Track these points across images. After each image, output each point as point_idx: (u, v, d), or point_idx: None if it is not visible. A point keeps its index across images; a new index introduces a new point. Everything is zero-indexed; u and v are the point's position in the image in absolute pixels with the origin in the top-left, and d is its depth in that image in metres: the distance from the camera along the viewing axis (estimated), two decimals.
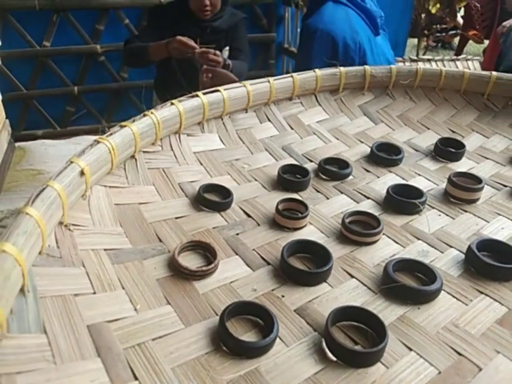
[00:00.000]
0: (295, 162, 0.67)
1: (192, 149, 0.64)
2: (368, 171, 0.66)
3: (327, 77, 0.76)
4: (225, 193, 0.57)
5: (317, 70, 0.76)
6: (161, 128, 0.58)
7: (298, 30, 2.87)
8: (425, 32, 3.33)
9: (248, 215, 0.55)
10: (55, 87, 2.80)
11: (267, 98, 0.72)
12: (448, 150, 0.70)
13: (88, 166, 0.46)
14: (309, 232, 0.53)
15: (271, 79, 0.72)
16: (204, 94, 0.64)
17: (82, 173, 0.45)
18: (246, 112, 0.72)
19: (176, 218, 0.52)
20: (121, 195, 0.52)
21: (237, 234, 0.52)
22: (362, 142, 0.73)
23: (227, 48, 1.96)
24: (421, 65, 0.78)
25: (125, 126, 0.53)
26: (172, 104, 0.60)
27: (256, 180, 0.62)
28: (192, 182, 0.59)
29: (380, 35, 1.54)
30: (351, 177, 0.64)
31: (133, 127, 0.54)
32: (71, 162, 0.45)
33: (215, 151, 0.65)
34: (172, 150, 0.61)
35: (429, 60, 2.48)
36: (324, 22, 1.35)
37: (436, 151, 0.71)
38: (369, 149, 0.71)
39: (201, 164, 0.62)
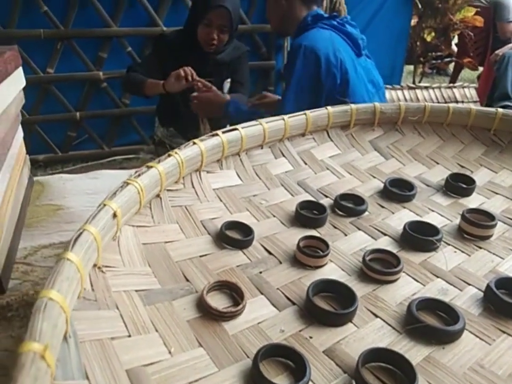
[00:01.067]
0: (310, 197, 0.68)
1: (212, 185, 0.65)
2: (382, 207, 0.68)
3: (338, 113, 0.79)
4: (246, 230, 0.58)
5: (329, 107, 0.78)
6: (184, 167, 0.60)
7: None
8: (421, 59, 3.40)
9: (270, 253, 0.56)
10: (57, 113, 2.84)
11: (282, 135, 0.74)
12: (459, 185, 0.72)
13: (119, 208, 0.47)
14: (330, 270, 0.54)
15: (285, 117, 0.74)
16: (223, 132, 0.66)
17: (114, 215, 0.46)
18: (262, 148, 0.74)
19: (201, 256, 0.54)
20: (148, 234, 0.53)
21: (260, 272, 0.53)
22: (374, 177, 0.75)
23: (229, 80, 2.00)
24: (427, 98, 0.80)
25: (151, 166, 0.55)
26: (194, 143, 0.62)
27: (274, 216, 0.64)
28: (213, 219, 0.60)
29: (363, 56, 1.59)
30: (366, 213, 0.66)
31: (159, 168, 0.55)
32: (104, 205, 0.46)
33: (234, 187, 0.67)
34: (193, 187, 0.63)
35: (426, 87, 2.54)
36: (308, 39, 1.44)
37: (447, 186, 0.73)
38: (381, 184, 0.73)
39: (221, 201, 0.64)
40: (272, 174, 0.71)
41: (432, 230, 0.61)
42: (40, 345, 0.29)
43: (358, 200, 0.67)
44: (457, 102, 2.49)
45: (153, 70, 1.94)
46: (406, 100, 2.46)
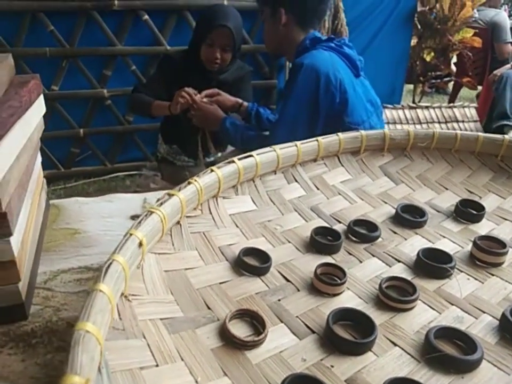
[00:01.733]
0: (324, 223, 0.69)
1: (228, 211, 0.66)
2: (395, 233, 0.69)
3: (349, 140, 0.80)
4: (263, 257, 0.59)
5: (339, 133, 0.80)
6: (203, 194, 0.61)
7: None
8: (421, 78, 3.44)
9: (287, 280, 0.57)
10: (61, 129, 2.85)
11: (294, 161, 0.76)
12: (469, 211, 0.73)
13: (145, 237, 0.48)
14: (348, 298, 0.55)
15: (298, 143, 0.75)
16: (239, 159, 0.68)
17: (140, 244, 0.47)
18: (275, 173, 0.75)
19: (220, 283, 0.55)
20: (169, 261, 0.54)
21: (279, 300, 0.54)
22: (386, 203, 0.76)
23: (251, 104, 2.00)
24: (437, 127, 0.82)
25: (172, 194, 0.56)
26: (212, 171, 0.63)
27: (289, 241, 0.65)
28: (230, 245, 0.61)
29: (361, 77, 1.63)
30: (380, 239, 0.67)
31: (180, 196, 0.56)
32: (130, 234, 0.47)
33: (249, 213, 0.68)
34: (211, 213, 0.64)
35: (427, 107, 2.57)
36: (309, 59, 1.48)
37: (456, 212, 0.74)
38: (392, 209, 0.74)
39: (237, 226, 0.65)
40: (286, 199, 0.73)
41: (445, 257, 0.62)
42: (81, 379, 0.30)
43: (371, 226, 0.68)
44: (457, 121, 2.52)
45: (158, 90, 1.97)
46: (407, 119, 2.49)
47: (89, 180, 3.04)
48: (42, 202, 0.69)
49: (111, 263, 0.42)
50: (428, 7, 3.25)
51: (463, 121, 2.52)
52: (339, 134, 0.80)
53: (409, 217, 0.71)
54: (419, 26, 3.31)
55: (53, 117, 2.79)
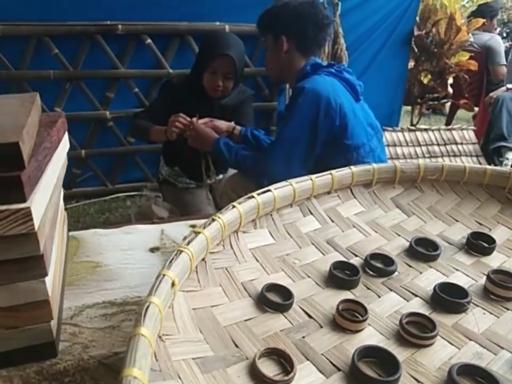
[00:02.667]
0: (341, 256, 0.71)
1: (248, 245, 0.68)
2: (410, 266, 0.71)
3: (361, 172, 0.83)
4: (286, 293, 0.61)
5: (352, 167, 0.82)
6: (226, 230, 0.63)
7: None
8: (419, 100, 3.50)
9: (310, 316, 0.59)
10: None
11: (309, 194, 0.78)
12: (480, 244, 0.75)
13: (177, 277, 0.50)
14: (369, 334, 0.57)
15: (312, 177, 0.78)
16: (258, 194, 0.70)
17: (172, 284, 0.49)
18: (291, 206, 0.77)
19: (246, 320, 0.56)
20: (196, 299, 0.55)
21: (303, 337, 0.55)
22: (399, 235, 0.78)
23: (233, 123, 2.04)
24: (446, 161, 0.84)
25: (198, 232, 0.58)
26: (234, 207, 0.65)
27: (309, 276, 0.66)
28: (252, 280, 0.63)
29: (361, 101, 1.67)
30: (396, 273, 0.69)
31: (206, 233, 0.58)
32: (163, 275, 0.49)
33: (268, 246, 0.70)
34: (232, 248, 0.66)
35: (426, 130, 2.61)
36: (310, 83, 1.53)
37: (468, 244, 0.76)
38: (406, 242, 0.76)
39: (258, 261, 0.67)
40: (302, 232, 0.74)
41: (460, 291, 0.63)
42: None
43: (387, 260, 0.70)
44: (456, 143, 2.56)
45: (159, 115, 2.00)
46: (406, 141, 2.52)
47: (90, 201, 3.04)
48: (65, 236, 0.71)
49: (148, 306, 0.44)
50: (424, 31, 3.33)
51: (461, 143, 2.56)
52: (352, 167, 0.82)
53: (423, 250, 0.73)
54: (416, 50, 3.37)
55: None
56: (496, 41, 3.75)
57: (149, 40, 2.80)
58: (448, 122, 4.13)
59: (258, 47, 3.01)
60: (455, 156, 2.53)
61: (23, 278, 0.49)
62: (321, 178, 0.78)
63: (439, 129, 2.60)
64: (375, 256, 0.70)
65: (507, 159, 2.92)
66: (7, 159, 0.45)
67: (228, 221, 0.63)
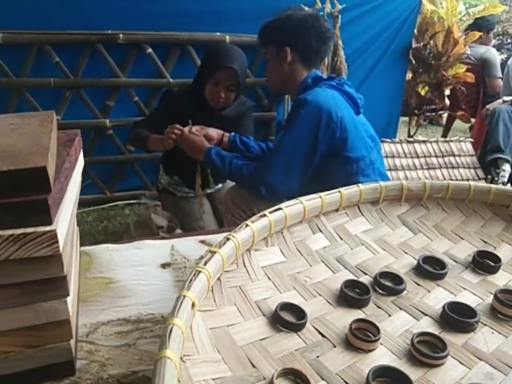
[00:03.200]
0: (350, 274, 0.72)
1: (260, 263, 0.69)
2: (418, 284, 0.72)
3: (369, 190, 0.84)
4: (299, 312, 0.62)
5: (360, 185, 0.84)
6: (240, 249, 0.64)
7: None
8: (416, 111, 3.53)
9: (323, 335, 0.60)
10: None
11: (318, 211, 0.79)
12: (486, 263, 0.76)
13: (196, 298, 0.51)
14: (382, 354, 0.58)
15: (322, 194, 0.79)
16: (270, 213, 0.71)
17: (193, 305, 0.50)
18: (301, 223, 0.78)
19: (261, 340, 0.57)
20: (212, 318, 0.56)
21: (318, 356, 0.56)
22: (406, 253, 0.79)
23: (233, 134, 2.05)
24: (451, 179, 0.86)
25: (214, 252, 0.59)
26: (247, 225, 0.66)
27: (320, 295, 0.67)
28: (265, 299, 0.64)
29: (361, 114, 1.70)
30: (405, 291, 0.70)
31: (222, 252, 0.59)
32: (184, 296, 0.50)
33: (279, 264, 0.71)
34: (245, 266, 0.67)
35: (424, 141, 2.63)
36: (312, 95, 1.55)
37: (474, 263, 0.77)
38: (413, 260, 0.77)
39: (270, 279, 0.68)
40: (312, 249, 0.76)
41: (469, 311, 0.65)
42: None
43: (396, 278, 0.71)
44: (454, 155, 2.59)
45: (158, 125, 2.01)
46: (404, 153, 2.55)
47: (89, 209, 3.04)
48: (78, 252, 0.72)
49: (172, 328, 0.45)
50: (422, 44, 3.36)
51: (459, 155, 2.58)
52: (360, 185, 0.84)
53: (431, 269, 0.74)
54: (414, 62, 3.41)
55: None
56: (492, 54, 3.80)
57: (150, 50, 2.81)
58: (445, 133, 4.17)
59: (258, 57, 3.03)
60: (453, 167, 2.56)
61: (46, 298, 0.50)
62: (330, 196, 0.80)
63: (437, 141, 2.63)
64: (384, 274, 0.72)
65: (503, 170, 2.95)
66: (34, 182, 0.46)
67: (242, 240, 0.65)
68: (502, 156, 3.04)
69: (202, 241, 0.87)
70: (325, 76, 1.75)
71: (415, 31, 3.33)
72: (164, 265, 0.78)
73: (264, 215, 0.70)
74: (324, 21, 1.75)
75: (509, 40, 7.32)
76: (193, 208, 2.31)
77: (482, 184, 0.89)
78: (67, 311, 0.52)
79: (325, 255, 0.75)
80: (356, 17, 3.11)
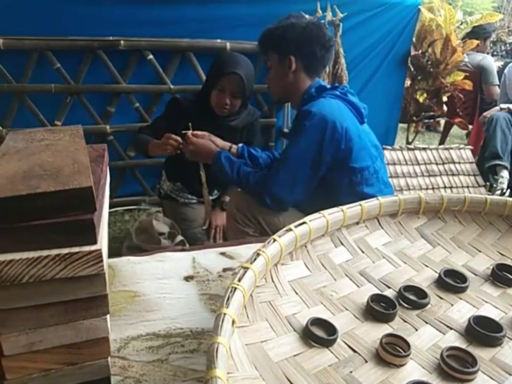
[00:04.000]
0: (374, 288, 0.73)
1: (287, 278, 0.70)
2: (441, 298, 0.73)
3: (388, 203, 0.85)
4: (329, 327, 0.62)
5: (380, 197, 0.85)
6: (269, 264, 0.65)
7: None
8: (414, 118, 3.56)
9: (354, 351, 0.61)
10: None
11: (340, 225, 0.80)
12: (505, 275, 0.78)
13: (235, 315, 0.51)
14: (412, 369, 0.59)
15: (344, 208, 0.80)
16: (296, 227, 0.72)
17: (233, 323, 0.51)
18: (323, 236, 0.79)
19: (294, 355, 0.58)
20: (247, 334, 0.57)
21: (351, 372, 0.57)
22: (427, 266, 0.80)
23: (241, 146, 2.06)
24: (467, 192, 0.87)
25: (247, 268, 0.60)
26: (275, 240, 0.67)
27: (347, 309, 0.68)
28: (295, 314, 0.65)
29: (365, 123, 1.71)
30: (429, 305, 0.71)
31: (254, 268, 0.60)
32: (224, 314, 0.50)
33: (304, 279, 0.72)
34: (273, 281, 0.68)
35: (424, 149, 2.65)
36: (317, 107, 1.56)
37: (493, 276, 0.79)
38: (434, 273, 0.79)
39: (297, 294, 0.68)
40: (335, 263, 0.76)
41: (494, 324, 0.66)
42: None
43: (420, 292, 0.72)
44: (454, 162, 2.61)
45: (162, 132, 2.01)
46: (405, 160, 2.57)
47: None
48: (106, 267, 0.72)
49: (217, 347, 0.45)
50: (420, 51, 3.39)
51: (459, 163, 2.61)
52: (379, 198, 0.85)
53: (452, 282, 0.75)
54: (412, 69, 3.44)
55: None
56: (489, 61, 3.85)
57: (151, 56, 2.81)
58: (442, 140, 4.21)
59: (259, 64, 3.04)
60: (453, 174, 2.58)
61: (87, 316, 0.51)
62: (351, 209, 0.81)
63: (437, 148, 2.65)
64: (408, 288, 0.73)
65: (502, 177, 2.98)
66: (80, 202, 0.47)
67: (271, 255, 0.65)
68: (500, 162, 3.08)
69: (222, 253, 0.88)
70: (328, 85, 1.77)
71: (414, 38, 3.35)
72: (187, 278, 0.79)
73: (290, 229, 0.71)
74: (326, 29, 1.76)
75: (502, 48, 7.40)
76: (196, 215, 2.32)
77: (498, 197, 0.90)
78: (107, 328, 0.52)
79: (348, 269, 0.76)
80: (355, 25, 3.13)
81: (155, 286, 0.76)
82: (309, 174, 1.58)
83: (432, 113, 3.55)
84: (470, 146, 2.70)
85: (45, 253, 0.46)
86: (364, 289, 0.72)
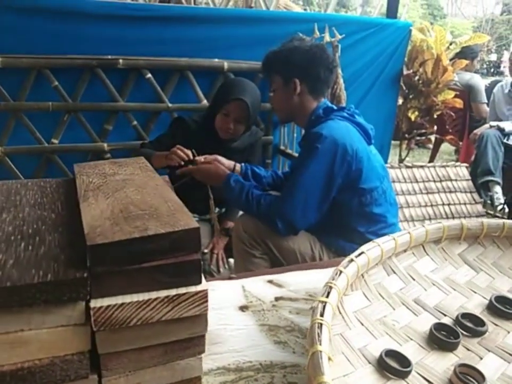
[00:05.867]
0: (432, 317, 0.75)
1: (351, 308, 0.71)
2: (496, 325, 0.75)
3: (434, 231, 0.87)
4: (401, 358, 0.63)
5: (426, 225, 0.86)
6: (340, 295, 0.65)
7: (294, 135, 3.10)
8: (406, 136, 3.64)
9: (429, 382, 0.62)
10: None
11: (391, 253, 0.82)
12: None
13: (328, 352, 0.52)
14: None
15: (394, 236, 0.81)
16: (356, 257, 0.73)
17: (329, 359, 0.51)
18: (377, 265, 0.80)
19: None
20: (330, 369, 0.57)
21: None
22: (475, 292, 0.82)
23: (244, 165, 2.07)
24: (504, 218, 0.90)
25: (324, 302, 0.60)
26: (341, 272, 0.68)
27: (411, 339, 0.69)
28: (365, 346, 0.65)
29: (372, 144, 1.75)
30: (487, 332, 0.73)
31: (330, 301, 0.61)
32: (320, 351, 0.51)
33: (366, 309, 0.73)
34: (340, 313, 0.68)
35: (422, 166, 2.71)
36: (327, 129, 1.58)
37: None
38: (483, 299, 0.80)
39: (363, 325, 0.69)
40: (391, 292, 0.78)
41: None
42: None
43: (476, 319, 0.74)
44: (451, 180, 2.67)
45: (164, 148, 2.01)
46: (404, 178, 2.62)
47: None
48: None
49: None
50: (412, 71, 3.47)
51: (456, 180, 2.67)
52: (425, 225, 0.87)
53: (504, 308, 0.77)
54: (404, 88, 3.52)
55: (50, 169, 2.77)
56: (477, 80, 3.97)
57: (149, 75, 2.81)
58: (432, 156, 4.30)
59: (256, 83, 3.05)
60: (450, 192, 2.64)
61: (185, 356, 0.50)
62: (401, 238, 0.82)
63: (434, 166, 2.71)
64: (464, 315, 0.74)
65: (496, 192, 3.06)
66: (188, 243, 0.47)
67: (341, 287, 0.66)
68: (493, 178, 3.16)
69: (270, 281, 0.88)
70: (335, 107, 1.79)
71: (406, 58, 3.43)
72: (242, 308, 0.79)
73: (352, 260, 0.72)
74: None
75: (484, 66, 7.63)
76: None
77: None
78: (201, 367, 0.52)
79: (403, 297, 0.77)
80: (349, 45, 3.19)
81: (213, 317, 0.75)
82: (321, 197, 1.59)
83: (423, 130, 3.63)
84: (465, 164, 2.76)
85: (154, 295, 0.46)
86: (422, 318, 0.74)
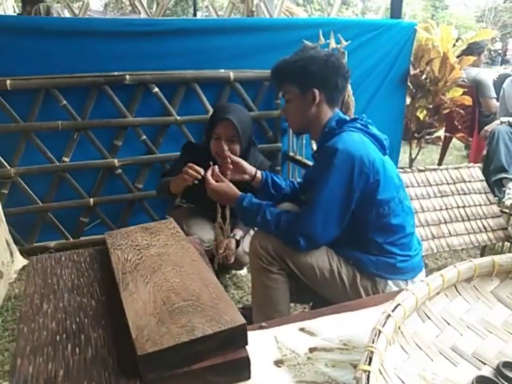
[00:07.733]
0: (471, 366, 0.74)
1: (391, 365, 0.70)
2: None
3: (465, 270, 0.86)
4: None
5: (457, 265, 0.85)
6: (382, 355, 0.64)
7: (303, 141, 3.09)
8: (416, 135, 3.61)
9: None
10: (70, 199, 2.84)
11: (425, 298, 0.81)
12: None
13: None
14: None
15: (428, 281, 0.80)
16: (392, 311, 0.72)
17: None
18: (411, 313, 0.79)
19: None
20: None
21: None
22: None
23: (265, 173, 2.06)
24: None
25: (372, 351, 0.59)
26: (380, 332, 0.67)
27: None
28: None
29: (387, 154, 1.73)
30: None
31: (379, 350, 0.60)
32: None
33: (405, 363, 0.72)
34: (381, 373, 0.67)
35: (435, 169, 2.68)
36: (342, 143, 1.55)
37: None
38: None
39: (403, 382, 0.68)
40: (427, 341, 0.77)
41: None
42: None
43: None
44: (465, 181, 2.65)
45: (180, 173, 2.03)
46: (417, 182, 2.59)
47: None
48: None
49: None
50: (419, 70, 3.44)
51: (470, 181, 2.64)
52: (456, 265, 0.85)
53: None
54: (412, 87, 3.49)
55: (63, 187, 2.78)
56: (484, 75, 3.93)
57: (156, 89, 2.81)
58: (442, 153, 4.27)
59: (262, 91, 3.06)
60: (464, 194, 2.61)
61: None
62: (434, 282, 0.81)
63: (447, 168, 2.68)
64: (506, 365, 0.73)
65: (510, 188, 3.03)
66: (235, 340, 0.46)
67: (381, 349, 0.65)
68: (506, 175, 3.13)
69: (301, 329, 0.87)
70: (348, 118, 1.77)
71: (412, 58, 3.40)
72: (278, 363, 0.78)
73: (389, 315, 0.71)
74: None
75: (489, 55, 7.54)
76: (203, 224, 2.30)
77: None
78: None
79: (440, 346, 0.76)
80: (354, 48, 3.17)
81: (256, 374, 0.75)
82: (340, 212, 1.58)
83: (433, 129, 3.60)
84: (478, 165, 2.73)
85: None
86: (461, 368, 0.73)
